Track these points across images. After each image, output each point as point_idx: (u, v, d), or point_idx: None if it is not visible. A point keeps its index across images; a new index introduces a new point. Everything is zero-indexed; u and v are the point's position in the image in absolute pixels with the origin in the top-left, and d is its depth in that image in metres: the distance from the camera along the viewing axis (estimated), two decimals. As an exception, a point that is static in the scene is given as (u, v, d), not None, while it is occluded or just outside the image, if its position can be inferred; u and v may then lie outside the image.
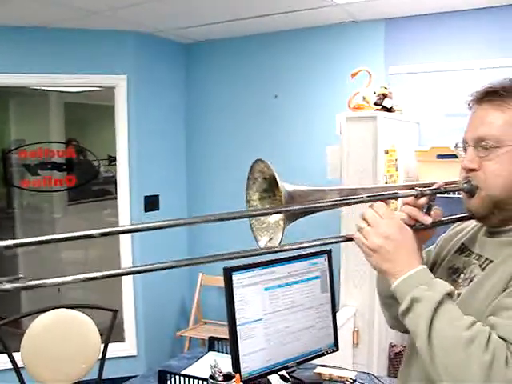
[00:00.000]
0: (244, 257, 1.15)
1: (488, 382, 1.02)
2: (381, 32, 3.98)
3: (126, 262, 4.39)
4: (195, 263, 1.16)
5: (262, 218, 1.27)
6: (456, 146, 1.34)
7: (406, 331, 1.53)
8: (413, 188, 1.30)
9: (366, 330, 3.43)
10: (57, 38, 4.12)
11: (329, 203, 1.26)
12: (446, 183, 1.33)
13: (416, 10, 3.76)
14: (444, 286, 1.14)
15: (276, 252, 1.22)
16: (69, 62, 4.15)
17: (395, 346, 3.54)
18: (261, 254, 1.19)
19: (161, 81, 4.59)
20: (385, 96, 3.48)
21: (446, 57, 3.75)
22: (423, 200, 1.30)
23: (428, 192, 1.29)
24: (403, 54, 3.90)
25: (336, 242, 1.31)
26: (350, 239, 1.27)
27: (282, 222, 1.21)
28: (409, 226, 1.29)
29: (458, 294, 1.27)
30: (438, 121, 3.80)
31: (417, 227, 1.30)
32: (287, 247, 1.21)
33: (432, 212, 1.32)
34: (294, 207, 1.17)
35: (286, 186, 1.18)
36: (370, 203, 1.24)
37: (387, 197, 1.27)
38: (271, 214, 1.24)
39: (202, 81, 4.77)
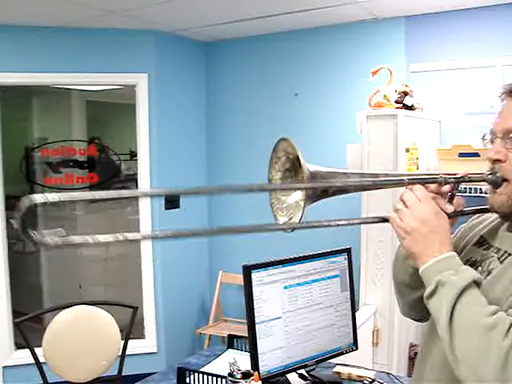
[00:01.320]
0: (277, 230, 1.18)
1: (504, 369, 1.01)
2: (401, 29, 3.95)
3: (147, 258, 4.42)
4: (223, 232, 1.15)
5: (282, 198, 1.26)
6: (483, 138, 1.33)
7: (418, 319, 1.53)
8: (437, 175, 1.30)
9: (386, 329, 3.41)
10: (78, 37, 4.15)
11: (369, 183, 1.28)
12: (471, 174, 1.31)
13: (436, 7, 3.72)
14: (472, 274, 1.14)
15: (313, 227, 1.22)
16: (90, 61, 4.18)
17: (415, 345, 3.52)
18: (297, 228, 1.19)
19: (181, 79, 4.61)
20: (406, 94, 3.45)
21: (468, 54, 3.71)
22: (446, 188, 1.28)
23: (452, 180, 1.28)
24: (424, 52, 3.87)
25: (372, 222, 1.33)
26: (386, 220, 1.28)
27: (302, 203, 1.20)
28: None
29: None
30: (460, 119, 3.76)
31: None
32: (325, 223, 1.22)
33: (454, 201, 1.31)
34: (335, 183, 1.17)
35: (308, 166, 1.18)
36: (409, 186, 1.25)
37: (429, 181, 1.27)
38: (299, 189, 1.23)
39: (222, 79, 4.78)
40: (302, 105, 4.39)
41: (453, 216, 1.31)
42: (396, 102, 3.41)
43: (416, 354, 3.46)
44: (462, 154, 3.42)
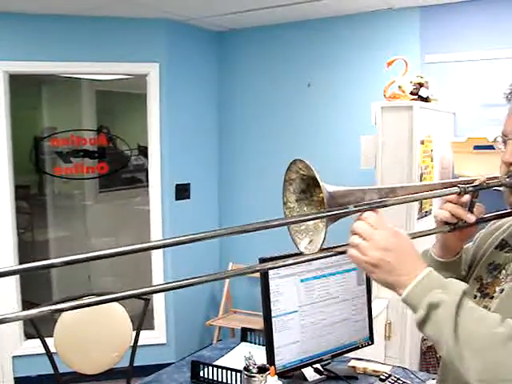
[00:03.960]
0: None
1: None
2: (416, 20, 3.90)
3: (157, 249, 4.40)
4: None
5: None
6: (495, 140, 1.30)
7: None
8: (454, 185, 1.25)
9: (399, 322, 3.38)
10: (89, 25, 4.12)
11: (392, 201, 1.20)
12: (488, 179, 1.27)
13: (452, -2, 3.68)
14: (459, 285, 1.07)
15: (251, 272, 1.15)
16: (101, 50, 4.15)
17: (427, 339, 3.49)
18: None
19: (193, 69, 4.57)
20: (421, 85, 3.41)
21: (483, 45, 3.66)
22: (466, 197, 1.25)
23: (471, 189, 1.24)
24: (439, 43, 3.83)
25: (326, 257, 1.19)
26: (342, 252, 1.16)
27: (321, 224, 1.16)
28: (451, 224, 1.26)
29: (501, 290, 1.24)
30: (474, 111, 3.72)
31: (459, 226, 1.26)
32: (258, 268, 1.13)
33: (474, 209, 1.27)
34: (335, 212, 1.11)
35: (326, 187, 1.13)
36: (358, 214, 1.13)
37: (447, 193, 1.22)
38: (313, 219, 1.17)
39: (235, 69, 4.74)
40: (316, 95, 4.35)
41: (474, 224, 1.28)
42: (411, 93, 3.38)
43: (428, 347, 3.45)
44: (477, 147, 3.38)
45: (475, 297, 1.31)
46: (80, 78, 4.99)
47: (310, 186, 1.19)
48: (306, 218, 1.13)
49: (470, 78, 3.73)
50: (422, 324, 1.06)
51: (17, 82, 4.16)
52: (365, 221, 1.11)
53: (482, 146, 3.32)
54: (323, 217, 1.10)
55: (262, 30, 4.53)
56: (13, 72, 4.06)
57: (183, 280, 1.06)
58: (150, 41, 4.27)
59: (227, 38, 4.74)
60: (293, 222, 1.16)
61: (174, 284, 1.06)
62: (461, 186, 1.24)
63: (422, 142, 3.30)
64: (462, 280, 1.33)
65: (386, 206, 1.17)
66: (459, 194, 1.24)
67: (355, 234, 1.11)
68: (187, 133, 4.54)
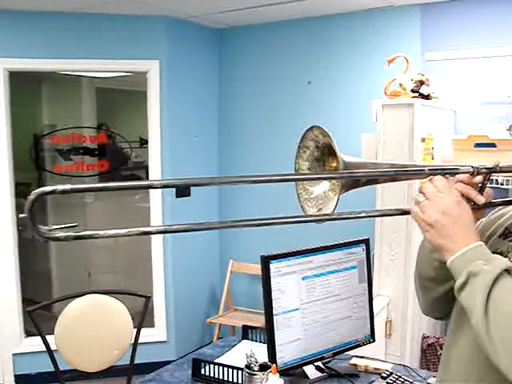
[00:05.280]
0: (284, 223, 1.12)
1: None
2: (417, 17, 3.89)
3: (157, 247, 4.40)
4: (238, 225, 1.12)
5: (309, 188, 1.24)
6: (510, 129, 1.30)
7: (441, 317, 1.50)
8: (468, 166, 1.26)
9: (399, 320, 3.38)
10: (90, 23, 4.11)
11: (390, 173, 1.24)
12: (501, 167, 1.28)
13: (453, -5, 3.67)
14: (503, 262, 1.11)
15: (333, 219, 1.18)
16: (101, 48, 4.14)
17: (428, 337, 3.50)
18: (316, 221, 1.15)
19: (193, 66, 4.57)
20: (422, 83, 3.40)
21: (484, 43, 3.65)
22: (479, 178, 1.25)
23: (484, 170, 1.25)
24: (440, 40, 3.82)
25: (393, 215, 1.28)
26: (406, 212, 1.23)
27: (331, 193, 1.17)
28: None
29: None
30: (475, 109, 3.72)
31: None
32: (345, 215, 1.18)
33: (484, 193, 1.27)
34: (353, 174, 1.13)
35: (342, 156, 1.14)
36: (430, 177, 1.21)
37: (448, 172, 1.23)
38: (327, 179, 1.19)
39: (235, 66, 4.73)
40: (316, 93, 4.34)
41: (483, 208, 1.28)
42: (412, 90, 3.37)
43: (429, 345, 3.44)
44: (477, 145, 3.38)
45: None
46: (80, 76, 4.97)
47: (324, 154, 1.21)
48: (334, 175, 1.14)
49: (471, 76, 3.72)
50: (459, 290, 1.11)
51: (17, 80, 4.15)
52: (433, 183, 1.18)
53: (483, 144, 3.31)
54: (384, 175, 1.22)
55: (262, 27, 4.52)
56: (13, 69, 4.05)
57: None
58: (150, 38, 4.26)
59: (228, 36, 4.73)
60: (315, 179, 1.18)
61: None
62: (474, 166, 1.25)
63: (423, 140, 3.29)
64: None
65: (457, 173, 1.23)
66: (472, 173, 1.25)
67: (421, 192, 1.19)
68: (187, 130, 4.54)
